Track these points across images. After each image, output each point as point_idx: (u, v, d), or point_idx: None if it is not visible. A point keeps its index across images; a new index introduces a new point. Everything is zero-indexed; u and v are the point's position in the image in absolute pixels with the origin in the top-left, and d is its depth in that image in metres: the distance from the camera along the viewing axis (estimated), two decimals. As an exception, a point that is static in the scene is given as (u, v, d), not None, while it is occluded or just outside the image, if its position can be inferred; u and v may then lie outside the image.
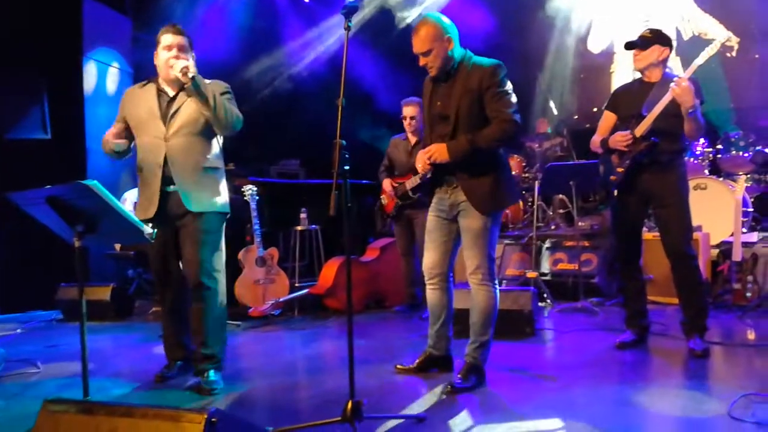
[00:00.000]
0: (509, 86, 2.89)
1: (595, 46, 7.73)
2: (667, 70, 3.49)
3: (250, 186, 5.04)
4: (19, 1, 5.74)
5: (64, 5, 5.94)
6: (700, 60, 3.24)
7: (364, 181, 6.42)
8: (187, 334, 3.28)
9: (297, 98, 7.76)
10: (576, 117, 7.71)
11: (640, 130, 3.34)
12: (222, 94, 3.10)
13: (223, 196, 3.18)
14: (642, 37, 3.41)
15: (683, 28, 7.02)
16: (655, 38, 3.39)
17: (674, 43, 3.47)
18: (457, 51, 2.92)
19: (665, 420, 2.50)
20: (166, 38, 3.09)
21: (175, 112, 3.08)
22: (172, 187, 3.04)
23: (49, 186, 2.32)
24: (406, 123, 4.85)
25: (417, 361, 3.22)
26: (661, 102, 3.26)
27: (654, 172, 3.38)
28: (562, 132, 7.04)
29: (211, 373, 3.06)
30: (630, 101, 3.47)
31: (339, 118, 2.46)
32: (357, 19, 7.26)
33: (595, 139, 3.60)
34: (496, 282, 3.00)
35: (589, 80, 7.77)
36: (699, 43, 6.88)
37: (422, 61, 2.91)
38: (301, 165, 7.68)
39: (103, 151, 3.26)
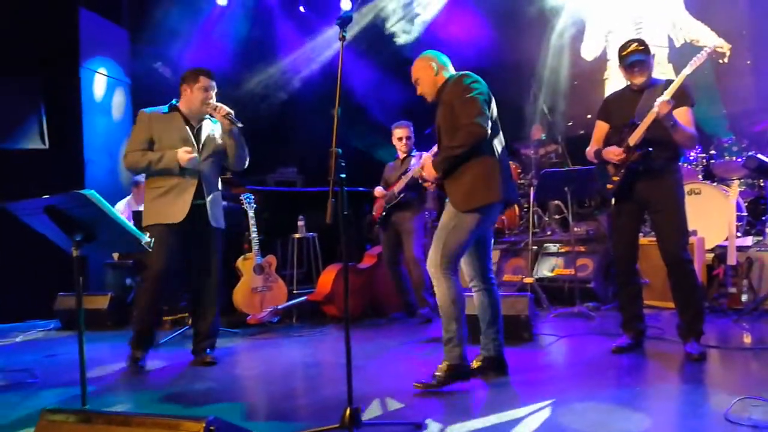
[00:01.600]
0: (476, 92, 2.98)
1: (588, 54, 7.79)
2: (655, 75, 3.53)
3: (248, 194, 5.06)
4: (17, 11, 5.78)
5: (62, 16, 5.97)
6: (688, 70, 3.29)
7: (360, 189, 6.44)
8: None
9: (293, 107, 7.80)
10: (570, 123, 7.74)
11: (634, 139, 3.38)
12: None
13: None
14: (639, 53, 3.40)
15: (675, 36, 7.08)
16: (647, 49, 3.44)
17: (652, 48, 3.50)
18: (447, 74, 3.16)
19: (662, 424, 2.51)
20: (206, 81, 3.62)
21: (203, 142, 3.68)
22: (200, 201, 3.62)
23: (47, 196, 2.34)
24: (400, 144, 5.04)
25: (473, 362, 3.17)
26: (649, 114, 3.30)
27: (649, 179, 3.42)
28: (556, 139, 7.07)
29: (208, 350, 3.77)
30: (621, 110, 3.51)
31: (335, 126, 2.48)
32: (352, 29, 7.31)
33: (590, 151, 3.66)
34: (452, 277, 3.00)
35: (583, 87, 7.81)
36: (691, 50, 6.93)
37: (418, 90, 3.22)
38: (299, 173, 7.70)
39: (134, 164, 3.64)
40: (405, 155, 5.04)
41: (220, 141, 3.74)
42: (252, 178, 6.54)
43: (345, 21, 2.54)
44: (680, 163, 3.53)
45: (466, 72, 3.08)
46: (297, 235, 6.03)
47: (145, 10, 6.78)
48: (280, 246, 6.53)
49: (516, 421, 2.55)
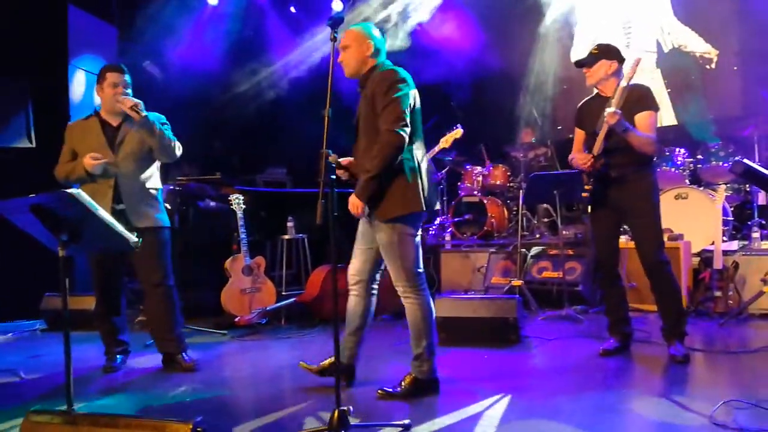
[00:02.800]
0: (401, 92, 2.81)
1: (578, 57, 7.84)
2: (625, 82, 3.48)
3: (237, 195, 5.04)
4: (4, 8, 5.72)
5: (50, 13, 5.91)
6: (624, 83, 3.34)
7: (350, 190, 6.44)
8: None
9: (283, 107, 7.77)
10: (560, 127, 7.78)
11: (595, 149, 3.45)
12: (162, 125, 3.53)
13: (163, 212, 3.68)
14: (589, 54, 3.55)
15: (663, 40, 7.14)
16: (601, 54, 3.52)
17: (625, 55, 3.56)
18: (379, 59, 2.95)
19: (648, 426, 2.53)
20: (113, 76, 3.54)
21: (121, 141, 3.56)
22: (120, 205, 3.50)
23: (33, 195, 2.32)
24: None
25: (343, 378, 3.10)
26: (603, 125, 3.35)
27: (622, 185, 3.46)
28: (546, 142, 7.11)
29: (184, 354, 3.66)
30: (591, 117, 3.57)
31: (325, 127, 2.48)
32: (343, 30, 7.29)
33: (569, 157, 3.71)
34: (423, 290, 2.93)
35: (573, 91, 7.84)
36: (679, 55, 7.00)
37: (340, 57, 2.95)
38: (288, 173, 7.68)
39: (64, 178, 3.62)
40: None
41: (138, 138, 3.56)
42: (241, 179, 6.52)
43: (336, 22, 2.54)
44: (652, 168, 3.53)
45: (396, 68, 2.90)
46: (286, 237, 6.01)
47: (135, 8, 6.72)
48: (269, 247, 6.51)
49: (503, 424, 2.55)
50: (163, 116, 3.63)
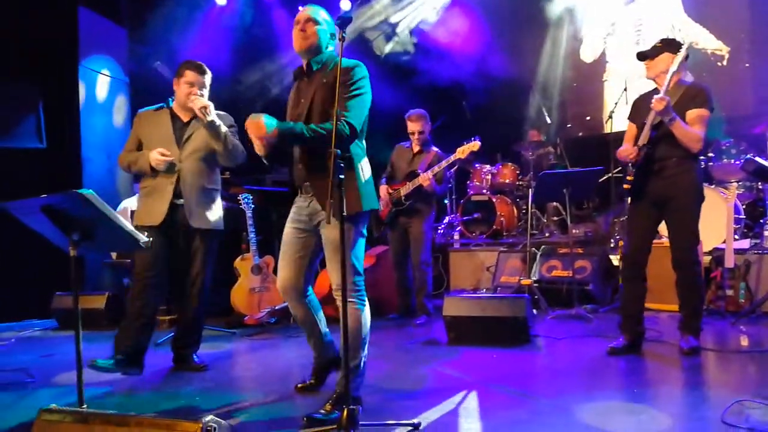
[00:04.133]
0: (364, 90, 2.71)
1: (587, 55, 7.79)
2: (685, 77, 3.57)
3: (246, 194, 5.05)
4: (15, 9, 5.76)
5: (60, 14, 5.96)
6: (674, 67, 3.37)
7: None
8: None
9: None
10: (569, 125, 7.75)
11: (642, 139, 3.46)
12: (229, 127, 3.53)
13: (220, 215, 3.66)
14: (653, 47, 3.54)
15: (674, 37, 7.10)
16: (664, 47, 3.51)
17: (684, 50, 3.49)
18: (329, 46, 2.83)
19: (658, 426, 2.51)
20: (191, 75, 3.50)
21: (188, 137, 3.54)
22: (180, 200, 3.49)
23: (44, 195, 2.33)
24: (413, 137, 4.96)
25: (312, 376, 3.10)
26: (651, 113, 3.37)
27: (665, 177, 3.46)
28: (555, 140, 7.08)
29: (195, 355, 3.69)
30: (643, 110, 3.56)
31: (334, 127, 2.48)
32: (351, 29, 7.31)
33: (616, 151, 3.74)
34: (363, 296, 2.77)
35: (582, 89, 7.82)
36: (690, 52, 6.94)
37: (299, 27, 2.79)
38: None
39: (125, 167, 3.60)
40: (418, 148, 4.99)
41: (204, 137, 3.53)
42: (249, 178, 6.53)
43: (345, 21, 2.53)
44: (696, 162, 3.50)
45: (358, 62, 2.75)
46: (295, 236, 6.00)
47: (145, 9, 6.76)
48: (278, 246, 6.51)
49: (513, 424, 2.54)
50: (232, 118, 3.64)
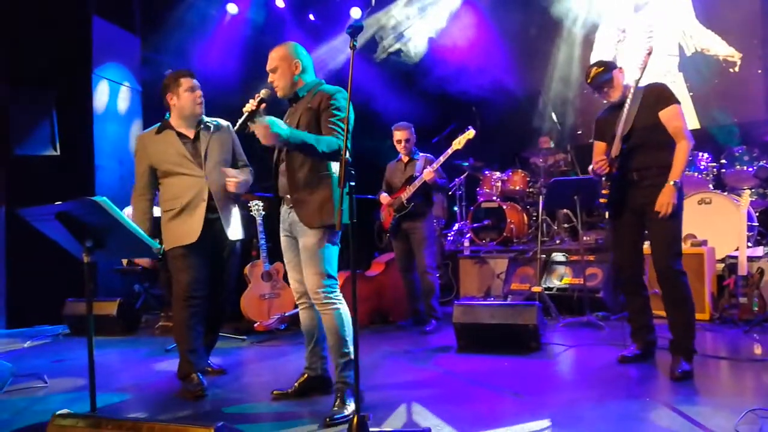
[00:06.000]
0: (345, 111, 2.74)
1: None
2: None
3: (256, 201, 5.08)
4: (30, 18, 5.85)
5: (74, 23, 6.04)
6: (639, 74, 3.34)
7: (369, 196, 6.45)
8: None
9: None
10: (579, 132, 7.73)
11: (614, 151, 3.40)
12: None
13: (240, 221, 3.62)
14: (599, 75, 3.46)
15: (685, 44, 7.06)
16: (609, 67, 3.47)
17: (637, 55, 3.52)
18: (308, 78, 3.01)
19: (671, 435, 2.49)
20: (186, 81, 3.40)
21: (206, 151, 3.43)
22: (214, 214, 3.40)
23: (59, 202, 2.36)
24: (400, 146, 5.02)
25: (295, 384, 3.15)
26: (620, 127, 3.33)
27: (645, 187, 3.37)
28: (565, 147, 7.06)
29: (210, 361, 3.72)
30: (609, 125, 3.52)
31: (345, 135, 2.49)
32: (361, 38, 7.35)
33: (589, 169, 3.67)
34: (339, 296, 2.90)
35: (593, 96, 7.79)
36: (701, 59, 6.92)
37: (270, 78, 3.02)
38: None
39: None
40: (407, 158, 5.02)
41: (223, 144, 3.50)
42: (260, 185, 6.57)
43: (356, 30, 2.55)
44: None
45: (340, 89, 2.94)
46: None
47: (158, 18, 6.84)
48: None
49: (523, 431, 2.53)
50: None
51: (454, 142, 4.73)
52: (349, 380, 2.86)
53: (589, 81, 3.54)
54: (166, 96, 3.43)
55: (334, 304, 2.89)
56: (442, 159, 4.77)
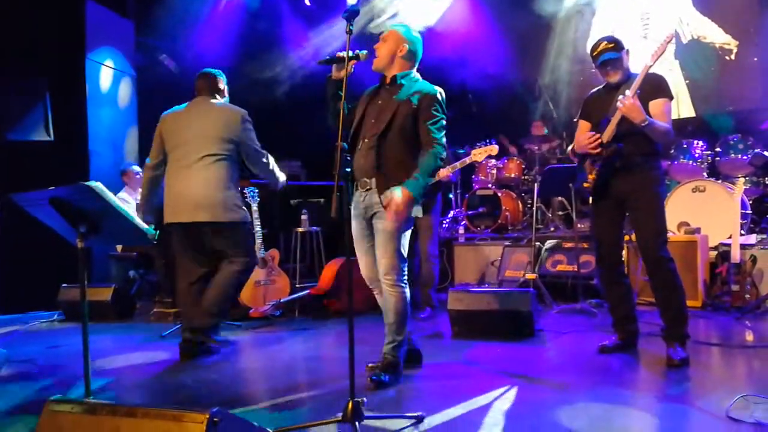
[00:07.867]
0: (442, 115, 3.00)
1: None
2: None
3: (251, 187, 5.07)
4: (22, 2, 5.78)
5: (67, 7, 5.97)
6: (650, 62, 3.21)
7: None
8: None
9: (298, 101, 7.79)
10: (575, 120, 7.72)
11: (606, 136, 3.34)
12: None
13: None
14: (610, 52, 3.39)
15: (682, 31, 7.04)
16: (619, 46, 3.39)
17: (643, 46, 3.45)
18: (409, 65, 3.07)
19: (663, 421, 2.52)
20: None
21: None
22: None
23: (52, 187, 2.34)
24: None
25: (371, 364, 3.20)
26: (617, 113, 3.26)
27: (626, 175, 3.33)
28: (561, 134, 7.06)
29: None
30: (600, 108, 3.47)
31: (341, 121, 2.48)
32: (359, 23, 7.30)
33: (569, 149, 3.64)
34: (406, 280, 3.07)
35: (588, 83, 7.78)
36: (698, 46, 6.90)
37: (377, 45, 3.07)
38: (303, 167, 7.69)
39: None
40: None
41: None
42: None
43: (352, 14, 2.53)
44: (659, 158, 3.42)
45: (439, 90, 3.05)
46: (300, 229, 6.03)
47: (151, 2, 6.77)
48: (283, 239, 6.54)
49: (517, 418, 2.55)
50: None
51: (473, 153, 4.69)
52: (398, 357, 3.07)
53: (595, 53, 3.44)
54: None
55: (403, 287, 3.02)
56: (458, 165, 4.78)
